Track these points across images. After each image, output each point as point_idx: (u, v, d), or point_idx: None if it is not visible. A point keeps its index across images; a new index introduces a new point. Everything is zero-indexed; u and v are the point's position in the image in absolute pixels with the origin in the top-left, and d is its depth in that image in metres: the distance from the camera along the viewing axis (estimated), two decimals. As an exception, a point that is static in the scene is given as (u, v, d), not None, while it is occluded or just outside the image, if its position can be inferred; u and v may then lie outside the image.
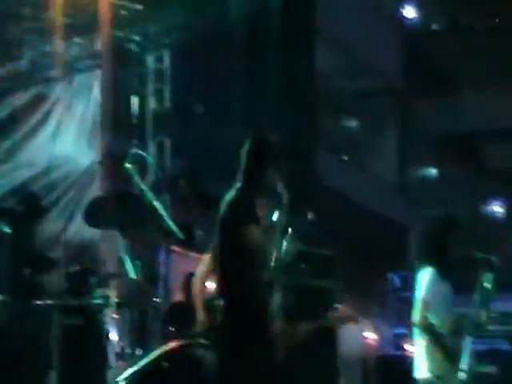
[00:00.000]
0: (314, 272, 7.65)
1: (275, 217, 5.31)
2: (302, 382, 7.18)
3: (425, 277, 6.18)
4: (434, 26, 14.20)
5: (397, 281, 12.44)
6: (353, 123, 14.45)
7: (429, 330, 6.06)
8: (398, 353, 9.45)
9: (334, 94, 13.40)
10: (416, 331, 6.15)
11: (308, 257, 7.68)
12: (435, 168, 14.70)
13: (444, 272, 6.18)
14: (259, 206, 5.25)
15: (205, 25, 8.27)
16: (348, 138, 14.37)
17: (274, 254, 5.26)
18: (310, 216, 10.92)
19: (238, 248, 5.19)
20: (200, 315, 5.58)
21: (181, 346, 5.96)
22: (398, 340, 9.93)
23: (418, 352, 6.13)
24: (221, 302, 5.22)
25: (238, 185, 5.37)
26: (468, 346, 5.81)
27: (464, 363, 5.76)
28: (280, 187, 5.35)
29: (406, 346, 9.49)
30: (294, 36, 11.76)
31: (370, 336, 10.03)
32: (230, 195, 5.35)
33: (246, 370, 5.14)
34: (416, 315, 6.11)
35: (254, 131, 5.67)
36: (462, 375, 5.77)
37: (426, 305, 6.07)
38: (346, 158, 14.22)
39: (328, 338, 7.43)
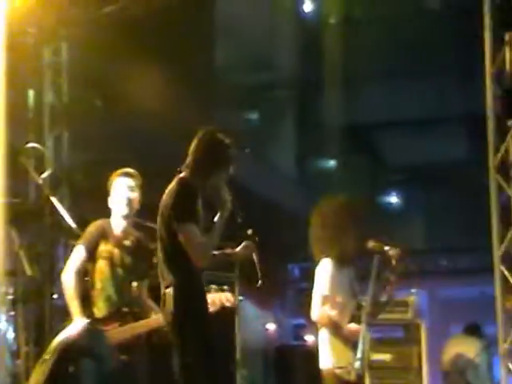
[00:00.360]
0: (212, 264, 7.68)
1: (216, 218, 5.24)
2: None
3: (322, 269, 6.26)
4: (332, 20, 14.37)
5: (296, 272, 12.59)
6: (253, 116, 14.53)
7: (327, 322, 6.16)
8: (298, 343, 9.59)
9: (235, 87, 13.45)
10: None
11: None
12: (334, 159, 14.90)
13: (343, 262, 6.27)
14: (202, 203, 5.18)
15: (102, 16, 8.21)
16: (249, 130, 14.44)
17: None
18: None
19: (174, 245, 5.13)
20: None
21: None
22: (298, 330, 10.07)
23: (320, 343, 6.23)
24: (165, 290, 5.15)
25: (183, 174, 5.27)
26: (364, 334, 5.93)
27: (360, 351, 5.88)
28: (225, 190, 5.29)
29: (306, 337, 9.63)
30: (192, 29, 11.76)
31: (271, 327, 10.15)
32: (173, 184, 5.24)
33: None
34: (314, 308, 6.20)
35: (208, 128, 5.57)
36: (357, 364, 5.89)
37: (323, 298, 6.16)
38: (247, 150, 14.30)
39: (225, 331, 7.46)
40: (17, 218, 6.86)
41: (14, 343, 6.45)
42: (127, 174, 6.20)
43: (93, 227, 6.12)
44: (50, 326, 6.91)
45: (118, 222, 6.12)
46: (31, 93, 8.29)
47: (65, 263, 8.32)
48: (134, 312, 6.00)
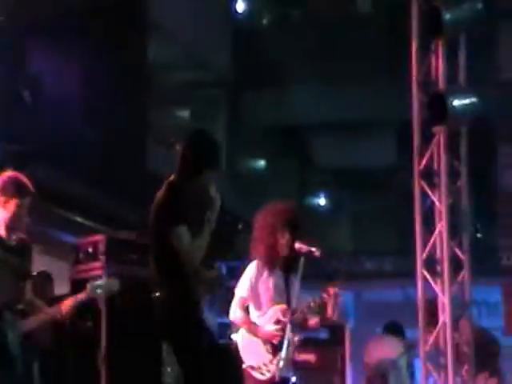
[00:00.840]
0: (145, 262, 7.64)
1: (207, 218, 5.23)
2: (125, 373, 7.19)
3: (246, 270, 6.28)
4: (265, 21, 14.42)
5: (224, 270, 12.58)
6: (184, 115, 14.51)
7: (240, 323, 6.19)
8: (223, 342, 9.57)
9: (167, 86, 13.41)
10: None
11: (138, 246, 7.67)
12: (264, 159, 14.93)
13: (270, 263, 6.27)
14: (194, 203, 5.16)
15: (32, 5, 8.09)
16: (180, 129, 14.41)
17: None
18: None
19: (166, 249, 5.14)
20: None
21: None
22: (224, 329, 10.06)
23: (239, 342, 6.26)
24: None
25: (171, 179, 5.27)
26: (287, 334, 5.96)
27: (283, 351, 5.91)
28: (213, 191, 5.27)
29: (232, 336, 9.64)
30: (126, 26, 11.69)
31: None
32: (161, 189, 5.23)
33: None
34: (231, 308, 6.23)
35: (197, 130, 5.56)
36: (281, 363, 5.92)
37: (241, 299, 6.19)
38: (177, 147, 14.27)
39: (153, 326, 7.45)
40: None
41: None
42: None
43: None
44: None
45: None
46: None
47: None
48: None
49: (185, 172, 5.29)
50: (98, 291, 5.88)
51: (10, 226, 5.83)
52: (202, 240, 5.24)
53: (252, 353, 6.12)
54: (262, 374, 6.05)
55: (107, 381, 7.09)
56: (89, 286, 5.88)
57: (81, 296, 5.85)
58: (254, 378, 6.09)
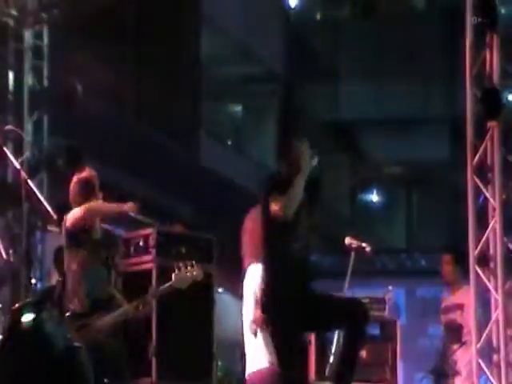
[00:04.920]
0: (193, 255, 7.67)
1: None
2: (176, 364, 7.22)
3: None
4: (318, 16, 14.38)
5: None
6: (236, 109, 14.52)
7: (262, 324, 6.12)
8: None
9: (220, 81, 13.43)
10: None
11: (188, 240, 7.69)
12: (317, 155, 14.87)
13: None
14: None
15: (87, 1, 8.15)
16: (231, 123, 14.42)
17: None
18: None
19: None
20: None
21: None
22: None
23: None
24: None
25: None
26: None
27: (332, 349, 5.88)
28: (307, 154, 5.41)
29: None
30: (178, 21, 11.72)
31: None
32: None
33: None
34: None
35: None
36: (331, 359, 5.89)
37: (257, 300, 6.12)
38: (229, 142, 14.29)
39: (203, 319, 7.46)
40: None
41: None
42: None
43: None
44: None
45: None
46: (11, 75, 8.21)
47: (42, 248, 8.34)
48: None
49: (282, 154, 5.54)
50: (183, 283, 5.91)
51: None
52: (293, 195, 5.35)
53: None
54: None
55: (158, 373, 7.12)
56: (174, 276, 5.91)
57: (165, 288, 5.90)
58: None
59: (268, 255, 5.38)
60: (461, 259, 8.11)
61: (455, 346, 7.86)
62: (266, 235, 5.40)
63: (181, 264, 5.95)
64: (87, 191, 5.97)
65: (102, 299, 5.94)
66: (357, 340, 5.32)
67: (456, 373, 7.81)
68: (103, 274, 6.03)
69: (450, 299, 8.08)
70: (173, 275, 5.88)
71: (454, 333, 7.93)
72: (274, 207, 5.25)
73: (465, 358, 7.78)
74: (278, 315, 5.28)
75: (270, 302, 5.32)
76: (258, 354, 6.04)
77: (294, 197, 5.27)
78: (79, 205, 5.92)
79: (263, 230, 5.43)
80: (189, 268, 5.96)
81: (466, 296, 7.92)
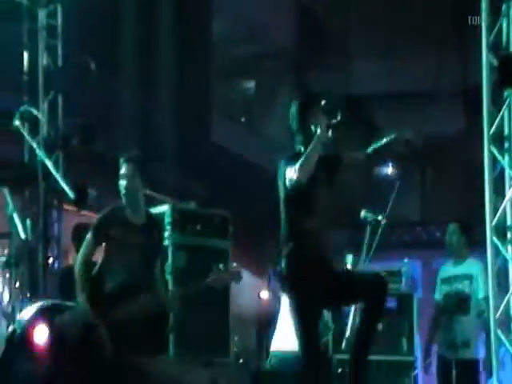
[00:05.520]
0: (208, 232, 7.69)
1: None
2: (193, 340, 7.25)
3: None
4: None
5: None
6: (248, 87, 14.49)
7: None
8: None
9: (231, 59, 13.40)
10: None
11: (202, 217, 7.71)
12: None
13: None
14: None
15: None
16: (244, 101, 14.40)
17: None
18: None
19: None
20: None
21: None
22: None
23: None
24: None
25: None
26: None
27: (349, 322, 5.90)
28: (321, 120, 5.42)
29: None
30: (190, 1, 11.70)
31: (264, 295, 10.17)
32: None
33: None
34: None
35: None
36: (347, 333, 5.91)
37: None
38: (242, 119, 14.28)
39: (219, 296, 7.49)
40: (11, 181, 6.85)
41: (7, 305, 6.46)
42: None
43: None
44: (43, 289, 6.92)
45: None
46: (26, 55, 8.22)
47: (58, 227, 8.38)
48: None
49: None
50: (218, 284, 5.94)
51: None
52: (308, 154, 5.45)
53: None
54: None
55: (175, 349, 7.17)
56: (211, 275, 5.94)
57: (200, 285, 5.95)
58: None
59: (290, 229, 5.39)
60: (466, 229, 8.11)
61: (460, 316, 7.85)
62: (288, 207, 5.41)
63: (221, 266, 5.97)
64: None
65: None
66: (375, 314, 5.33)
67: (464, 344, 7.80)
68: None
69: (456, 269, 8.07)
70: (210, 274, 5.91)
71: (461, 303, 7.92)
72: (289, 173, 5.27)
73: (472, 328, 7.78)
74: (301, 291, 5.29)
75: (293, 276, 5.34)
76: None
77: (307, 158, 5.27)
78: None
79: (284, 201, 5.45)
80: (226, 271, 6.00)
81: (475, 266, 7.93)
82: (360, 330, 5.34)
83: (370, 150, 5.63)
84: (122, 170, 5.98)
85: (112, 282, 5.84)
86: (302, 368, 5.20)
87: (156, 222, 6.23)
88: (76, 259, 6.02)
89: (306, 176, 5.24)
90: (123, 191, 5.97)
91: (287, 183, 5.33)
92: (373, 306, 5.27)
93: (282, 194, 5.46)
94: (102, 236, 5.92)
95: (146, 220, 6.04)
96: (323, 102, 5.42)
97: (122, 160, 6.01)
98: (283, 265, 5.33)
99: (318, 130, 5.32)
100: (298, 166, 5.24)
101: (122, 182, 5.98)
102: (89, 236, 5.96)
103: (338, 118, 5.38)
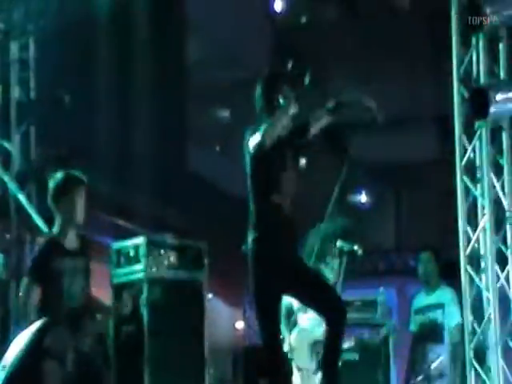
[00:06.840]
0: (183, 264, 7.68)
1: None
2: (169, 371, 7.22)
3: None
4: (303, 19, 14.36)
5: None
6: (224, 114, 14.49)
7: None
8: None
9: (206, 86, 13.41)
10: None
11: (177, 249, 7.70)
12: (303, 157, 14.84)
13: None
14: None
15: (70, 12, 8.14)
16: (219, 128, 14.41)
17: None
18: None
19: None
20: None
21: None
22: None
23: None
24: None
25: None
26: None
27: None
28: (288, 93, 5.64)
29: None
30: (163, 27, 11.70)
31: (239, 326, 10.14)
32: None
33: None
34: None
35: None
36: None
37: None
38: (217, 148, 14.27)
39: (195, 327, 7.47)
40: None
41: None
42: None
43: None
44: (16, 326, 6.85)
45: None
46: (-2, 88, 8.21)
47: (32, 262, 8.30)
48: None
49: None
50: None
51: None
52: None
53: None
54: None
55: (151, 379, 7.13)
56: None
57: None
58: None
59: (255, 205, 5.35)
60: (438, 257, 8.16)
61: (434, 346, 7.87)
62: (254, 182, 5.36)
63: None
64: None
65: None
66: (338, 331, 5.31)
67: (439, 375, 7.81)
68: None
69: (428, 298, 8.10)
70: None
71: (435, 332, 7.94)
72: (253, 140, 5.24)
73: (446, 357, 7.80)
74: (260, 266, 5.24)
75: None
76: None
77: (272, 125, 5.39)
78: None
79: (250, 176, 5.38)
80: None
81: (446, 295, 7.97)
82: (327, 347, 5.33)
83: (330, 104, 5.68)
84: None
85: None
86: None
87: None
88: None
89: (269, 139, 5.25)
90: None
91: (251, 150, 5.30)
92: (332, 328, 5.27)
93: (248, 168, 5.41)
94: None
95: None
96: (289, 66, 5.44)
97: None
98: (249, 242, 5.31)
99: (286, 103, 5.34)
100: (261, 131, 5.22)
101: None
102: None
103: (306, 81, 5.43)
